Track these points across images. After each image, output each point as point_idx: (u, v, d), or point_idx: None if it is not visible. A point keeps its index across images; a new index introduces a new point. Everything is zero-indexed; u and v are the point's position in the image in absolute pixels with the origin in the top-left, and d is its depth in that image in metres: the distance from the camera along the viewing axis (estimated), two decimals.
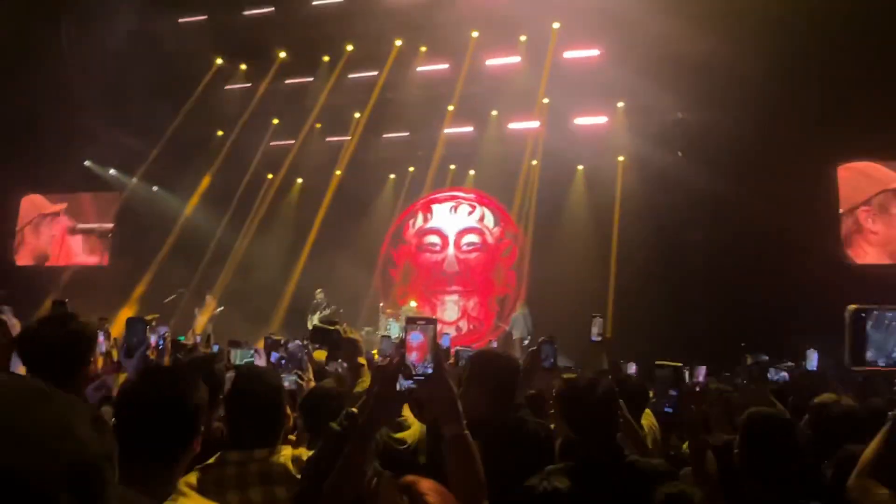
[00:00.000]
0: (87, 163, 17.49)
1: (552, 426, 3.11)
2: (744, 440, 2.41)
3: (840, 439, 2.60)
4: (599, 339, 4.12)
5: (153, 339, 5.11)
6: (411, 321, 1.70)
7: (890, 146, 12.56)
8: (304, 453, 2.53)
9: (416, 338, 1.67)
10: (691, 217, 13.06)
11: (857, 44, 11.39)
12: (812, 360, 5.94)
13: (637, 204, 13.75)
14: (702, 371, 5.12)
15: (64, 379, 2.29)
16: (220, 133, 16.73)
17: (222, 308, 13.61)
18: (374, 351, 6.84)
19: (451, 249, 15.87)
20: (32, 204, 18.70)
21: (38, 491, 0.58)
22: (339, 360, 4.09)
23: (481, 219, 15.84)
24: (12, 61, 14.36)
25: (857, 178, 13.49)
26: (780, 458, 2.31)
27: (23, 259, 18.53)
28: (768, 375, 5.70)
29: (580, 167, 15.25)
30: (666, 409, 2.25)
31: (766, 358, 7.80)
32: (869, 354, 1.45)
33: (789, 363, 6.64)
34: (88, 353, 2.45)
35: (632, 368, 7.79)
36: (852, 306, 1.43)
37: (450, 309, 15.40)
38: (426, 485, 1.53)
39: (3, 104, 14.15)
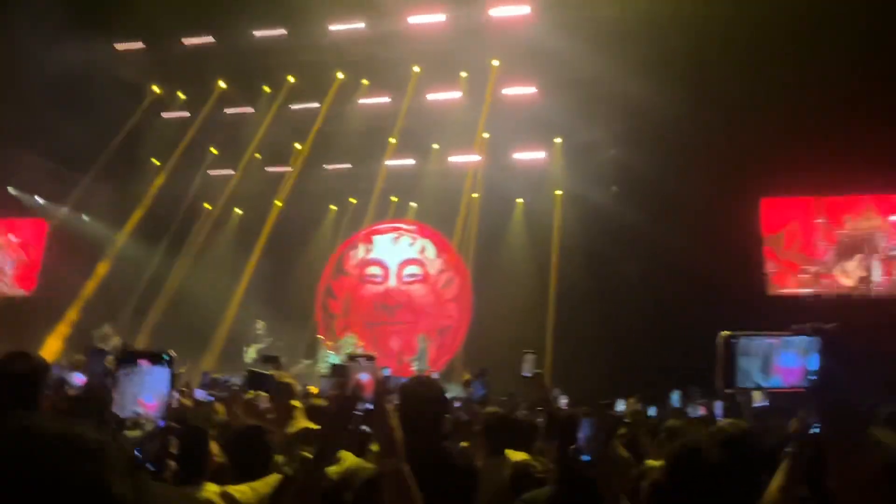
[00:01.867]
0: (10, 189, 16.79)
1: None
2: (670, 469, 2.52)
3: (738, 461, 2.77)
4: (530, 375, 4.25)
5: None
6: (351, 358, 1.76)
7: (810, 181, 13.33)
8: (233, 489, 2.58)
9: (364, 376, 1.74)
10: (627, 250, 13.48)
11: (780, 84, 12.10)
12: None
13: (574, 237, 14.14)
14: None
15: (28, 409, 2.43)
16: (156, 162, 16.36)
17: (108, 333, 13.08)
18: (311, 387, 6.78)
19: (392, 280, 15.87)
20: None
21: None
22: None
23: (422, 250, 15.93)
24: None
25: (778, 210, 14.27)
26: (706, 487, 2.42)
27: None
28: (687, 411, 5.97)
29: (519, 200, 15.58)
30: (584, 458, 2.36)
31: (698, 389, 8.08)
32: (738, 377, 1.59)
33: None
34: (45, 384, 2.62)
35: (563, 401, 7.96)
36: (724, 333, 1.57)
37: (392, 341, 15.34)
38: None
39: None
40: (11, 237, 17.67)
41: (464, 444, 3.88)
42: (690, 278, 12.40)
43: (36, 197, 17.01)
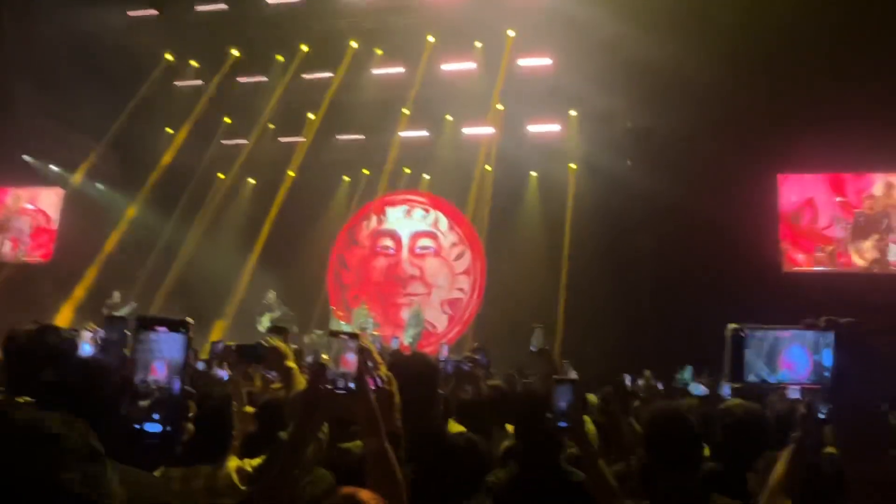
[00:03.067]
0: (25, 157, 16.86)
1: None
2: (646, 438, 2.55)
3: (746, 442, 2.80)
4: (538, 349, 4.24)
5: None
6: (333, 335, 1.75)
7: (829, 158, 13.11)
8: (250, 463, 2.55)
9: (350, 357, 1.74)
10: (642, 224, 13.35)
11: (806, 55, 11.82)
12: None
13: (589, 211, 14.01)
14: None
15: None
16: (169, 130, 16.35)
17: (135, 304, 13.09)
18: (324, 354, 6.81)
19: (404, 252, 15.86)
20: None
21: None
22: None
23: (435, 223, 15.88)
24: None
25: (796, 186, 14.06)
26: (681, 452, 2.43)
27: None
28: (689, 389, 5.90)
29: (533, 173, 15.45)
30: (560, 425, 2.34)
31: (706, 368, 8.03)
32: (746, 372, 1.54)
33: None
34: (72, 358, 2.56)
35: (572, 375, 7.90)
36: (731, 325, 1.51)
37: (403, 313, 15.37)
38: (365, 496, 1.56)
39: None
40: (28, 206, 17.82)
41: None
42: (705, 253, 12.28)
43: (51, 165, 17.10)
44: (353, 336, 1.78)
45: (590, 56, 13.52)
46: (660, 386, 8.15)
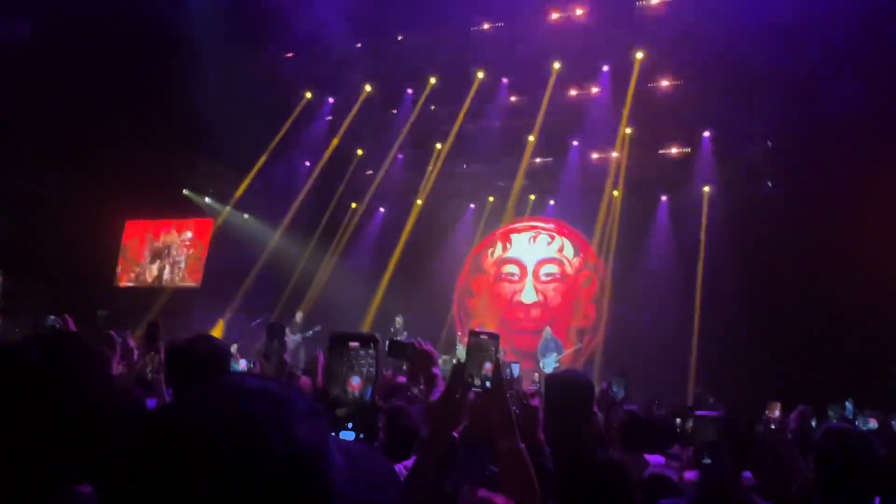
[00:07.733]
0: (185, 191, 18.50)
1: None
2: (818, 456, 2.40)
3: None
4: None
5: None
6: (474, 333, 1.77)
7: None
8: None
9: (488, 364, 1.76)
10: (782, 250, 12.51)
11: None
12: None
13: (724, 235, 13.32)
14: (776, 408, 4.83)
15: None
16: (307, 163, 17.40)
17: (318, 327, 13.87)
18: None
19: (529, 279, 15.78)
20: (134, 228, 19.90)
21: (259, 479, 0.68)
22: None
23: (560, 249, 15.70)
24: (123, 93, 15.41)
25: None
26: (854, 472, 2.27)
27: (124, 281, 19.68)
28: (856, 423, 5.35)
29: (664, 197, 14.95)
30: (705, 461, 2.18)
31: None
32: None
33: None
34: (226, 364, 2.78)
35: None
36: None
37: (527, 340, 15.24)
38: (500, 501, 1.57)
39: (112, 133, 15.21)
40: (185, 235, 19.49)
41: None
42: (854, 281, 11.29)
43: (206, 198, 18.66)
44: (494, 336, 1.80)
45: (724, 75, 12.98)
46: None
